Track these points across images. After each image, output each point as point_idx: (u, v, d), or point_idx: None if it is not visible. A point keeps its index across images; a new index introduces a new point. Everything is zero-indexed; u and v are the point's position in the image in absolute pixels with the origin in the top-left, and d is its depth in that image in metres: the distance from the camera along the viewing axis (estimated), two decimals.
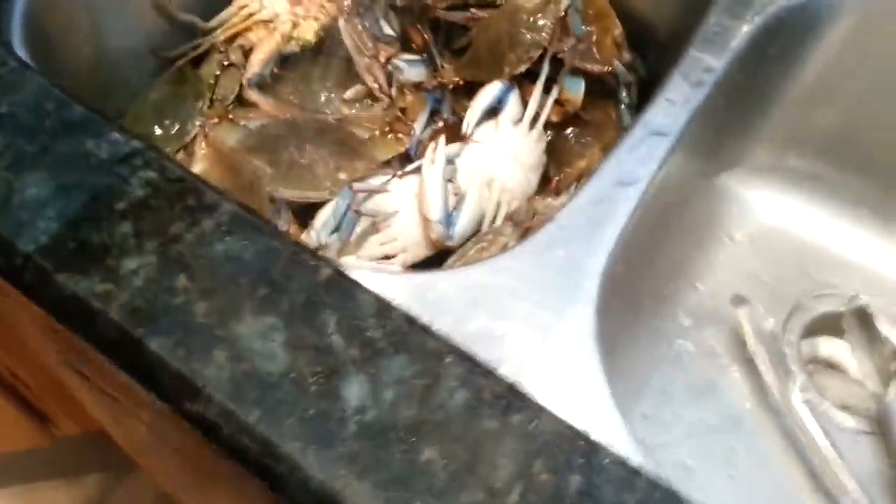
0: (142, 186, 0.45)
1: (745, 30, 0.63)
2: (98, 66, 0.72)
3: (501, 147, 0.70)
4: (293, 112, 0.76)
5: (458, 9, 0.79)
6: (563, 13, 0.73)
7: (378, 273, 0.47)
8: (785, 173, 0.75)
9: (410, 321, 0.41)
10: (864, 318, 0.68)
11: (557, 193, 0.74)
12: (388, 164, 0.73)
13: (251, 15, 0.79)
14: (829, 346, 0.70)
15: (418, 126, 0.76)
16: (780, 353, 0.66)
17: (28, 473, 1.36)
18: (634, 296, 0.62)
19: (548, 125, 0.75)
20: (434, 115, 0.78)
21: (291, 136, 0.70)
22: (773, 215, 0.76)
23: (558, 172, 0.75)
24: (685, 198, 0.71)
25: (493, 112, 0.73)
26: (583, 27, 0.74)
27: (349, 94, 0.79)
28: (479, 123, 0.72)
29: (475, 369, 0.40)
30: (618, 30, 0.76)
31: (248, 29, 0.79)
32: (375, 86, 0.78)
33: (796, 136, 0.73)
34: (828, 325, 0.70)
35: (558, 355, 0.44)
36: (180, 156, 0.74)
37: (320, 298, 0.41)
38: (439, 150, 0.69)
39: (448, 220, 0.67)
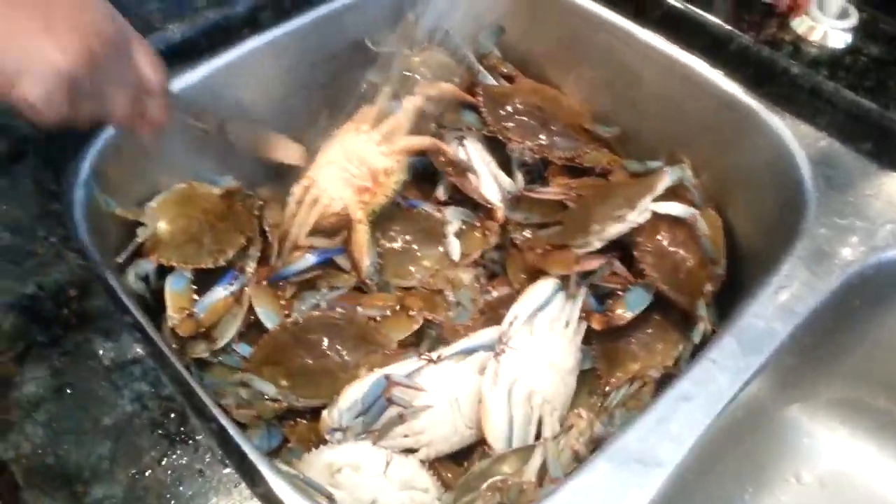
0: (131, 401, 0.44)
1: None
2: None
3: (538, 353, 0.65)
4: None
5: None
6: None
7: None
8: (866, 413, 0.67)
9: None
10: None
11: (606, 396, 0.69)
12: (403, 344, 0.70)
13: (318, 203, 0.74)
14: None
15: None
16: None
17: None
18: None
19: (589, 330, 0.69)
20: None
21: (303, 342, 0.68)
22: (848, 459, 0.67)
23: (609, 373, 0.70)
24: (748, 429, 0.64)
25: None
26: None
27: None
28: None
29: None
30: (720, 270, 0.69)
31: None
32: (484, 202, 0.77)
33: (879, 377, 0.65)
34: None
35: None
36: None
37: None
38: (501, 370, 0.63)
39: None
